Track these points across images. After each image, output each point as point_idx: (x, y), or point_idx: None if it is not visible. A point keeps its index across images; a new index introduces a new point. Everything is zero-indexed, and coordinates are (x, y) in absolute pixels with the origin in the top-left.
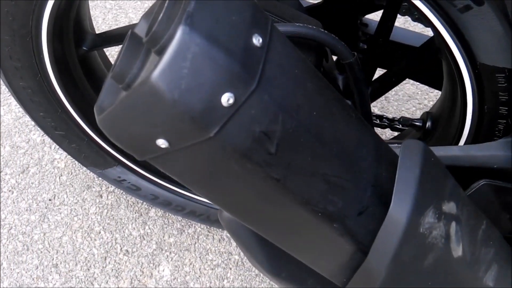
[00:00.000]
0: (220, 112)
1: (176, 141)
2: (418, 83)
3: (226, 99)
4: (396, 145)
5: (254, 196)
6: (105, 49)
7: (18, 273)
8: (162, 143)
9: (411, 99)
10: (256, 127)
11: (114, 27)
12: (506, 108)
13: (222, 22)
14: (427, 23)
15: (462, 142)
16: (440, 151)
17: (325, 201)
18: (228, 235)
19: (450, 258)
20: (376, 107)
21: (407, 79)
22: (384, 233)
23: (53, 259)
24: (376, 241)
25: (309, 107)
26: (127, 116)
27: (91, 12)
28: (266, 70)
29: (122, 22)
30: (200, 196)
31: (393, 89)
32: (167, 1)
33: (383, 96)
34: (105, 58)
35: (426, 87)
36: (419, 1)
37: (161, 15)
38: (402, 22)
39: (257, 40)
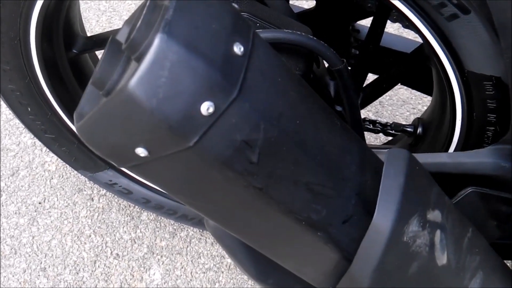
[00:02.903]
0: (200, 121)
1: (155, 150)
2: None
3: (206, 108)
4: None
5: (236, 205)
6: (97, 52)
7: (5, 277)
8: (141, 151)
9: (405, 104)
10: (237, 136)
11: (108, 30)
12: (494, 116)
13: (202, 30)
14: (416, 31)
15: (452, 148)
16: (428, 158)
17: (309, 210)
18: (218, 245)
19: (435, 266)
20: (371, 112)
21: (401, 85)
22: (368, 242)
23: (41, 263)
24: (360, 250)
25: (292, 116)
26: (105, 123)
27: (85, 14)
28: (247, 79)
29: (116, 25)
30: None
31: (387, 94)
32: (145, 8)
33: (378, 101)
34: (96, 61)
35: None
36: (406, 9)
37: (139, 22)
38: (396, 28)
39: (238, 48)
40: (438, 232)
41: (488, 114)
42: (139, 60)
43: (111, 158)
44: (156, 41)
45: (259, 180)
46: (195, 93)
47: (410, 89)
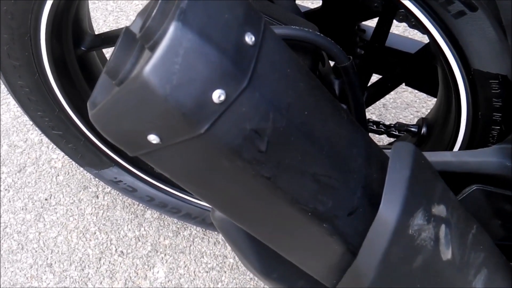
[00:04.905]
0: (211, 108)
1: (167, 137)
2: (416, 91)
3: (217, 95)
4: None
5: (244, 194)
6: (104, 50)
7: (12, 272)
8: (153, 138)
9: (409, 107)
10: (247, 124)
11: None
12: (500, 115)
13: (215, 19)
14: (423, 29)
15: (456, 148)
16: (433, 157)
17: (315, 201)
18: (223, 237)
19: (439, 260)
20: (374, 114)
21: (405, 88)
22: (373, 234)
23: (47, 259)
24: (365, 242)
25: (300, 106)
26: (119, 111)
27: (92, 14)
28: (258, 68)
29: (123, 25)
30: (192, 194)
31: (391, 97)
32: None
33: (381, 104)
34: (104, 58)
35: (424, 95)
36: (414, 7)
37: (155, 11)
38: (402, 30)
39: (249, 38)
40: (443, 227)
41: (494, 113)
42: (153, 48)
43: (124, 145)
44: (171, 29)
45: (267, 169)
46: (207, 80)
47: (414, 92)
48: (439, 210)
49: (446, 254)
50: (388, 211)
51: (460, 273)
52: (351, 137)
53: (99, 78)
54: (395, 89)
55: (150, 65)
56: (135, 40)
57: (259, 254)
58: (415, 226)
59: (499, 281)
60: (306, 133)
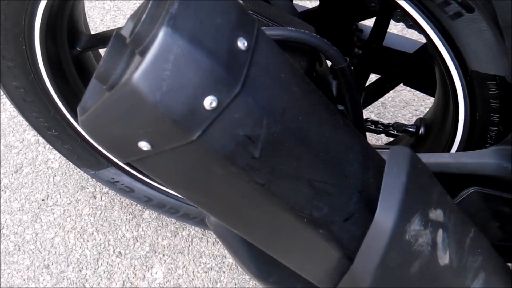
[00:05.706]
0: (203, 115)
1: (158, 144)
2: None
3: (209, 102)
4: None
5: (238, 200)
6: (100, 50)
7: (9, 273)
8: (144, 145)
9: (407, 105)
10: (240, 131)
11: (112, 28)
12: (498, 116)
13: (206, 24)
14: (420, 30)
15: (454, 148)
16: (431, 158)
17: (311, 207)
18: (220, 242)
19: (437, 265)
20: (373, 113)
21: (404, 86)
22: (369, 240)
23: (44, 260)
24: (362, 248)
25: (295, 111)
26: (109, 117)
27: (89, 13)
28: (251, 74)
29: (120, 24)
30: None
31: (389, 96)
32: (150, 2)
33: (380, 102)
34: (100, 59)
35: (423, 94)
36: (411, 8)
37: (144, 15)
38: (400, 29)
39: (242, 43)
40: (440, 232)
41: (491, 114)
42: (143, 54)
43: (114, 152)
44: (161, 35)
45: (261, 175)
46: (199, 87)
47: (412, 90)
48: (436, 214)
49: (444, 258)
50: (385, 216)
51: (457, 278)
52: (347, 142)
53: (90, 82)
54: (394, 88)
55: (139, 72)
56: (126, 45)
57: (256, 258)
58: (412, 232)
59: (497, 284)
60: (301, 139)
